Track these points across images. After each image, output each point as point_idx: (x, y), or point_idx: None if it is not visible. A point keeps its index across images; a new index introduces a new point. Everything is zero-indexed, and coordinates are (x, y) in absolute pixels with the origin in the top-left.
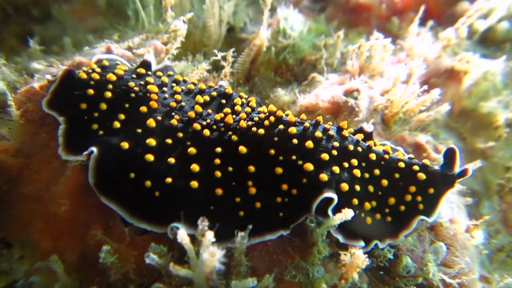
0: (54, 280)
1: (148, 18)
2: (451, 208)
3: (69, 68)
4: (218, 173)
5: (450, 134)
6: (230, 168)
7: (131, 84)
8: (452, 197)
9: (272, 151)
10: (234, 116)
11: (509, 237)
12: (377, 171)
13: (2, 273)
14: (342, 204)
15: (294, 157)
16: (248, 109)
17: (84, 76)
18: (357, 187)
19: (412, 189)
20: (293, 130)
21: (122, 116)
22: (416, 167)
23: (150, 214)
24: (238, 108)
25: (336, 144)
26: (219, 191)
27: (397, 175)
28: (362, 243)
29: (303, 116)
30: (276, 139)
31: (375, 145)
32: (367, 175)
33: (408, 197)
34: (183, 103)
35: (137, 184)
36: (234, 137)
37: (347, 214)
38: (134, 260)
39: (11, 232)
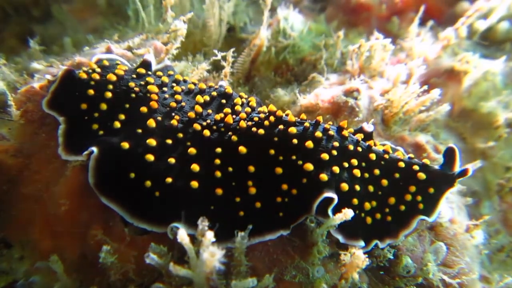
0: (54, 280)
1: (148, 18)
2: (451, 208)
3: (69, 68)
4: (218, 173)
5: (450, 134)
6: (230, 168)
7: (131, 84)
8: (452, 197)
9: (272, 151)
10: (234, 116)
11: (509, 237)
12: (377, 171)
13: (2, 273)
14: (342, 204)
15: (294, 157)
16: (248, 109)
17: (85, 76)
18: (357, 187)
19: (412, 188)
20: (293, 130)
21: (122, 116)
22: (416, 167)
23: (150, 214)
24: (238, 108)
25: (336, 144)
26: (219, 191)
27: (397, 175)
28: (362, 243)
29: (303, 116)
30: (276, 139)
31: (375, 145)
32: (367, 175)
33: (408, 197)
34: (183, 103)
35: (137, 184)
36: (234, 138)
37: (347, 214)
38: (134, 260)
39: (11, 232)
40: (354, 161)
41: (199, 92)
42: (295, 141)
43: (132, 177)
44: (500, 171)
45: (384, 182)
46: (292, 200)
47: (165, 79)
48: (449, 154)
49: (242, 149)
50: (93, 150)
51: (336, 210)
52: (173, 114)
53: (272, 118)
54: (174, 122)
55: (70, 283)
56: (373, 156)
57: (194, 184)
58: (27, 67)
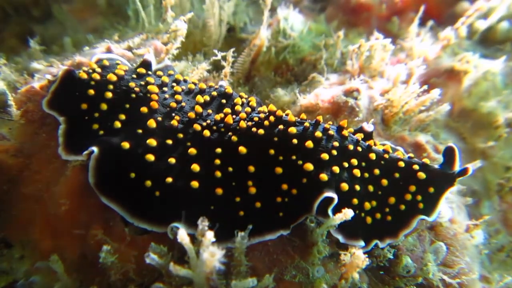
0: (54, 280)
1: (148, 18)
2: (451, 208)
3: (70, 68)
4: (218, 173)
5: (450, 134)
6: (230, 168)
7: (132, 84)
8: (452, 197)
9: (272, 151)
10: (234, 116)
11: (509, 237)
12: (377, 171)
13: (2, 273)
14: (342, 204)
15: (294, 157)
16: (248, 109)
17: (85, 76)
18: (357, 187)
19: (412, 188)
20: (293, 130)
21: (122, 116)
22: (416, 166)
23: (151, 214)
24: (238, 108)
25: (336, 144)
26: (219, 191)
27: (397, 175)
28: (362, 243)
29: (303, 116)
30: (276, 139)
31: (375, 144)
32: (367, 175)
33: (408, 196)
34: (183, 104)
35: (138, 184)
36: (234, 138)
37: (347, 214)
38: (134, 260)
39: (11, 232)
40: (354, 161)
41: (199, 92)
42: (295, 141)
43: (133, 177)
44: (500, 171)
45: (384, 181)
46: (292, 200)
47: (165, 79)
48: (448, 154)
49: (242, 149)
50: (94, 150)
51: (336, 210)
52: (173, 114)
53: (272, 118)
54: (174, 122)
55: (70, 283)
56: (373, 156)
57: (195, 184)
58: (27, 67)
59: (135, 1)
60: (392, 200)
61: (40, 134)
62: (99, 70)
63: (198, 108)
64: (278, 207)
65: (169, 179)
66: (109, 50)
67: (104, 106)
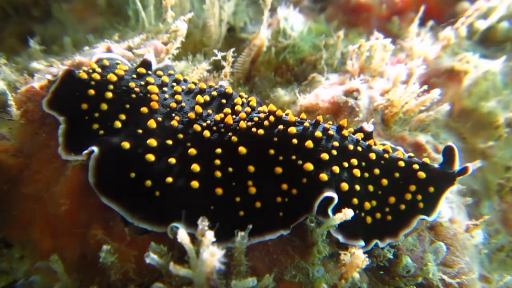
0: (54, 280)
1: (148, 18)
2: (451, 207)
3: (70, 68)
4: (218, 173)
5: (450, 134)
6: (230, 169)
7: (132, 84)
8: (452, 197)
9: (272, 151)
10: (234, 116)
11: (509, 237)
12: (377, 171)
13: (2, 273)
14: (342, 203)
15: (294, 157)
16: (248, 109)
17: (85, 76)
18: (357, 187)
19: (412, 188)
20: (292, 130)
21: (123, 116)
22: (416, 166)
23: (151, 214)
24: (238, 108)
25: (336, 143)
26: (219, 191)
27: (397, 174)
28: (362, 243)
29: (303, 116)
30: (276, 139)
31: (375, 144)
32: (367, 175)
33: (408, 196)
34: (183, 104)
35: (138, 184)
36: (234, 138)
37: (347, 213)
38: (134, 259)
39: (11, 232)
40: (354, 161)
41: (199, 92)
42: (295, 141)
43: (133, 177)
44: (500, 171)
45: (384, 181)
46: (292, 200)
47: (166, 78)
48: (448, 153)
49: (242, 149)
50: (94, 150)
51: (336, 209)
52: (173, 114)
53: (272, 118)
54: (174, 122)
55: (70, 283)
56: (373, 156)
57: (195, 184)
58: (27, 66)
59: (135, 1)
60: (392, 199)
61: (40, 134)
62: (99, 70)
63: (198, 108)
64: (278, 207)
65: (169, 179)
66: (109, 50)
67: (104, 106)
